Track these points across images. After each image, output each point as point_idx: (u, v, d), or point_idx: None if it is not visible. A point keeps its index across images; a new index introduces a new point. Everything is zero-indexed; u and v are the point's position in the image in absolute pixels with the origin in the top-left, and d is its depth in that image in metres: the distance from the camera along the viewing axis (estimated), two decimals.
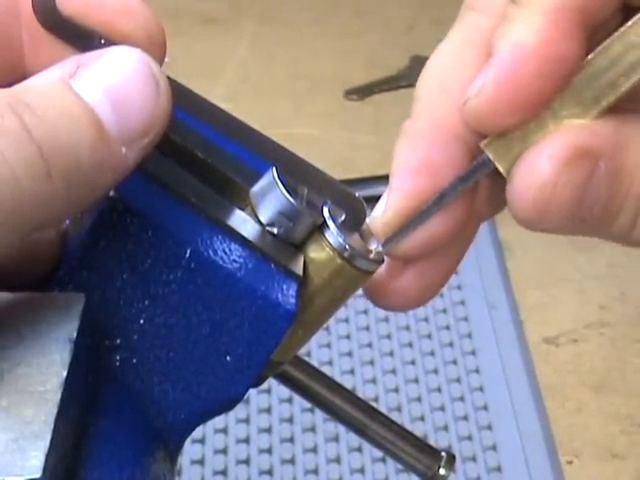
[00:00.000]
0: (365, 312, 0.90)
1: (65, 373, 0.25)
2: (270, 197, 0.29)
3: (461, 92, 0.29)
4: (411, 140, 0.30)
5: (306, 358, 0.37)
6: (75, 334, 0.26)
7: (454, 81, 0.30)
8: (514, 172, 0.28)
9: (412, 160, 0.30)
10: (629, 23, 0.27)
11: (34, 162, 0.23)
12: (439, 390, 0.84)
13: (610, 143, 0.28)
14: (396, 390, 0.84)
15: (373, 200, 0.32)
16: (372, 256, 0.30)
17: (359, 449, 0.79)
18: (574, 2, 0.27)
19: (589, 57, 0.28)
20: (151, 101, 0.26)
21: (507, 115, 0.28)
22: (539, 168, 0.28)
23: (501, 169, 0.29)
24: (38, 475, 0.22)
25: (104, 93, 0.25)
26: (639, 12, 0.27)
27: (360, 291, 0.32)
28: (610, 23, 0.28)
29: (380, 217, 0.31)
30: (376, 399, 0.83)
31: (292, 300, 0.29)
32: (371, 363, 0.86)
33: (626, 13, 0.28)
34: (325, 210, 0.30)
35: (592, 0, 0.27)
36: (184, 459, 0.79)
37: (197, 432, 0.75)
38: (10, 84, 0.25)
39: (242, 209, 0.29)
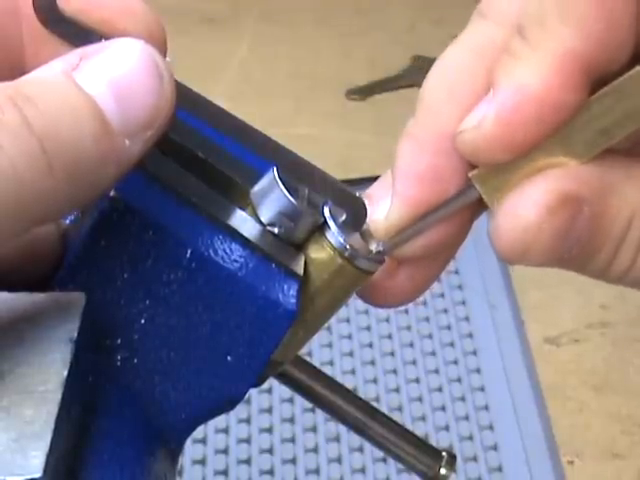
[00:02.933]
0: (366, 312, 0.90)
1: (66, 373, 0.25)
2: (271, 197, 0.29)
3: (468, 100, 0.29)
4: (416, 144, 0.30)
5: (307, 358, 0.37)
6: (76, 334, 0.26)
7: (462, 88, 0.30)
8: (498, 211, 0.28)
9: (417, 165, 0.30)
10: (626, 75, 0.27)
11: (35, 156, 0.23)
12: (440, 390, 0.84)
13: (595, 189, 0.28)
14: (397, 390, 0.84)
15: None
16: (373, 256, 0.30)
17: (360, 449, 0.79)
18: (584, 52, 0.26)
19: (585, 103, 0.27)
20: (155, 93, 0.25)
21: (501, 153, 0.28)
22: (523, 212, 0.28)
23: (487, 201, 0.29)
24: (39, 474, 0.22)
25: (107, 85, 0.25)
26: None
27: None
28: (620, 73, 0.27)
29: (383, 221, 0.31)
30: (377, 399, 0.83)
31: (293, 300, 0.28)
32: (372, 363, 0.86)
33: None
34: (326, 210, 0.29)
35: (603, 53, 0.27)
36: (185, 459, 0.79)
37: (198, 432, 0.75)
38: None
39: (243, 209, 0.29)
